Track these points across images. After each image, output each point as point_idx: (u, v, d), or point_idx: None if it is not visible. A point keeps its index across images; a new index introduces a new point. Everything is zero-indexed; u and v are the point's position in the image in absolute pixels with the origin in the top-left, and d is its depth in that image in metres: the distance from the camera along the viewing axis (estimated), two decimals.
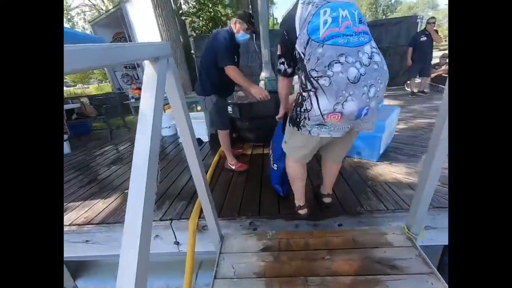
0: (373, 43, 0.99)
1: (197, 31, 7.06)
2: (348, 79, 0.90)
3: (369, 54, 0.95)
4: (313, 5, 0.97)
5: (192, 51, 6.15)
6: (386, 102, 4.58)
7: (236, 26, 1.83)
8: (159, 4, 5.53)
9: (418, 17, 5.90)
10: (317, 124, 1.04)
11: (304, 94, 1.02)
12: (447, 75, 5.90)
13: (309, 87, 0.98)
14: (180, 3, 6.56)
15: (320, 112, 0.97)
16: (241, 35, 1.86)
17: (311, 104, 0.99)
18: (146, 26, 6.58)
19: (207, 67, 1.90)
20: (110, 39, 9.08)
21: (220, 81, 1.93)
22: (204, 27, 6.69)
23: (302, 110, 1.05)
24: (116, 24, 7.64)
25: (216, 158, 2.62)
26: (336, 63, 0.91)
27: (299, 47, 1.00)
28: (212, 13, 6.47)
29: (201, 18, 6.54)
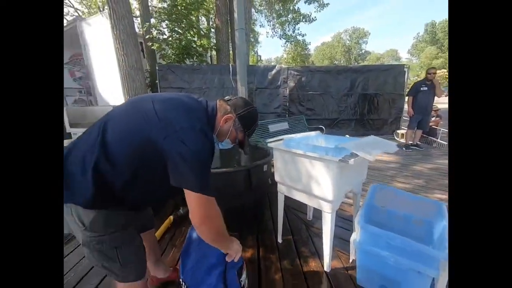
0: None
1: (167, 60, 6.19)
2: None
3: None
4: None
5: (157, 81, 5.14)
6: (382, 157, 3.80)
7: (229, 126, 0.92)
8: (117, 25, 4.59)
9: (405, 66, 5.60)
10: None
11: None
12: (436, 127, 5.01)
13: None
14: (149, 26, 5.71)
15: None
16: (225, 143, 0.97)
17: None
18: (103, 49, 5.57)
19: (129, 153, 0.74)
20: (66, 60, 7.90)
21: (149, 194, 0.86)
22: (173, 56, 5.79)
23: None
24: (72, 44, 6.55)
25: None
26: None
27: None
28: (184, 42, 5.66)
29: (170, 46, 5.67)
